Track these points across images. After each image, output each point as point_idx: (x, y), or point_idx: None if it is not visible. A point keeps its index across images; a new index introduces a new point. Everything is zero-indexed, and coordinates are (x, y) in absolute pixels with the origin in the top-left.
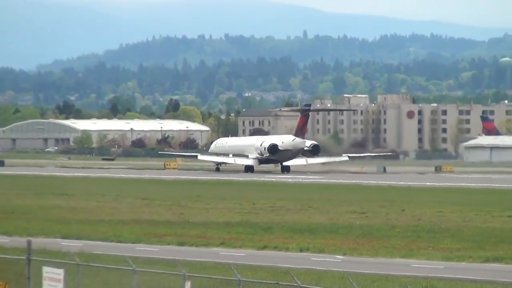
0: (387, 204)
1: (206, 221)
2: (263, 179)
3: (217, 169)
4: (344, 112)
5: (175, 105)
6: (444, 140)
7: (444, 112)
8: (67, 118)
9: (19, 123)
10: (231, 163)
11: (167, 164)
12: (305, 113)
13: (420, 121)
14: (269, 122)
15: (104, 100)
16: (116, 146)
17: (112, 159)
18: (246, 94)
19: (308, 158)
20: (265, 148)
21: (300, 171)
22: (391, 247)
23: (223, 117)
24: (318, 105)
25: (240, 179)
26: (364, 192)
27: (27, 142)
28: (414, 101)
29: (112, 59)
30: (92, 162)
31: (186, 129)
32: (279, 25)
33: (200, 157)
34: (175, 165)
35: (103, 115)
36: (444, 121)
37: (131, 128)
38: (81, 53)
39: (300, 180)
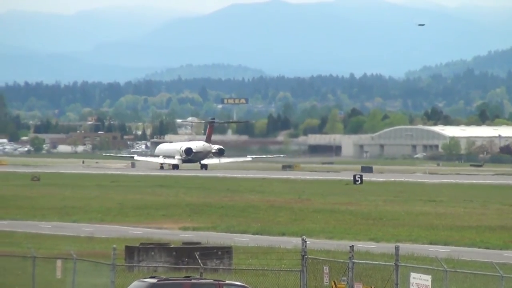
0: None
1: None
2: None
3: (161, 168)
4: None
5: None
6: None
7: None
8: (435, 124)
9: (387, 129)
10: (162, 163)
11: None
12: (211, 124)
13: None
14: None
15: (472, 106)
16: (485, 152)
17: (480, 166)
18: None
19: (220, 158)
20: (183, 151)
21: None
22: None
23: None
24: None
25: None
26: None
27: (396, 149)
28: None
29: (481, 65)
30: (461, 168)
31: None
32: None
33: (136, 157)
34: None
35: (471, 122)
36: None
37: (499, 135)
38: (450, 60)
39: None
